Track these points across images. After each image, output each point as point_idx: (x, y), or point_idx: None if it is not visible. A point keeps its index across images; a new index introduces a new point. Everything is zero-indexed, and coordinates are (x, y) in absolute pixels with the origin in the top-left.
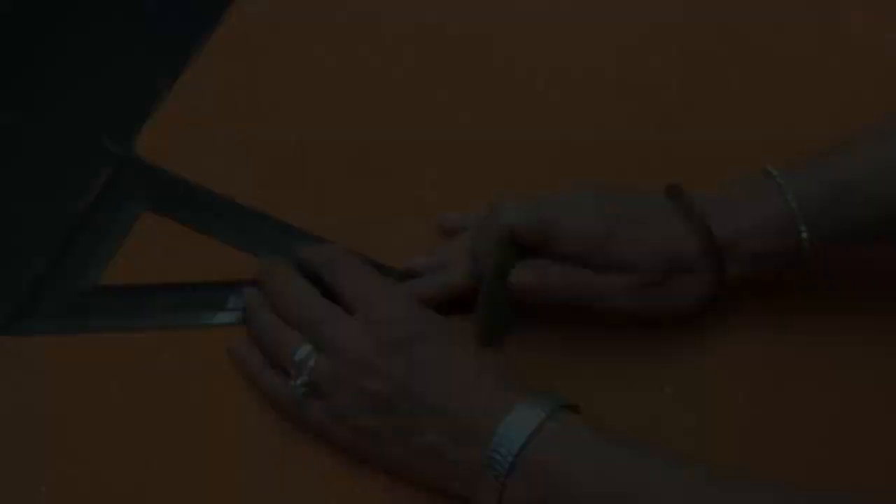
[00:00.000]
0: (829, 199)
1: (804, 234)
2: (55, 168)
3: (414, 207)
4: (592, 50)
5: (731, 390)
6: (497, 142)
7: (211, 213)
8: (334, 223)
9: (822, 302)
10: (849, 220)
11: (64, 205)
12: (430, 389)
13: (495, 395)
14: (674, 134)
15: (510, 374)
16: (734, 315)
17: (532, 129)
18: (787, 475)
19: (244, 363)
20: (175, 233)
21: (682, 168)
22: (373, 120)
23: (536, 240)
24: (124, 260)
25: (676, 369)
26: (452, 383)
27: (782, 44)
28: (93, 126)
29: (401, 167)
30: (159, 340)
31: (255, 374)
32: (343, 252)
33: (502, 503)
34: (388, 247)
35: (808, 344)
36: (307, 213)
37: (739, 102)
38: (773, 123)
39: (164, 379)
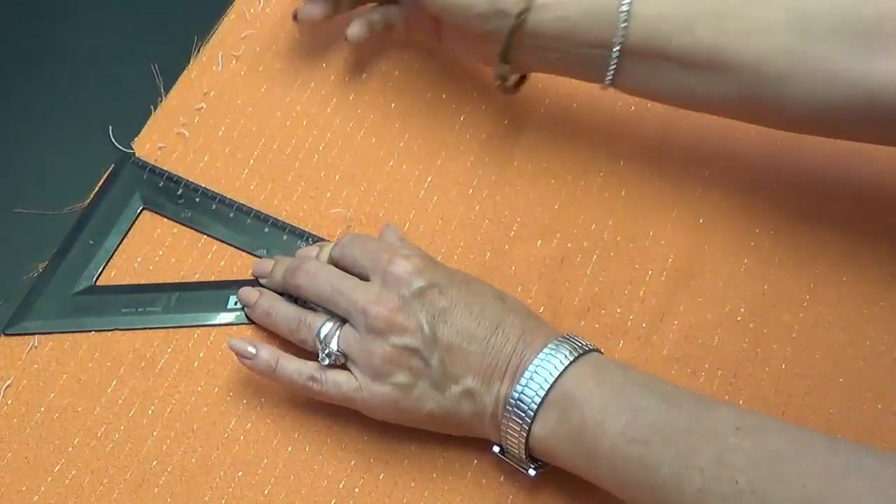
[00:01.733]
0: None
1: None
2: (55, 168)
3: (414, 208)
4: None
5: None
6: (496, 141)
7: (210, 214)
8: (334, 223)
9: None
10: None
11: (63, 205)
12: (457, 335)
13: (526, 336)
14: None
15: (535, 315)
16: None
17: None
18: None
19: (257, 360)
20: (174, 233)
21: None
22: (373, 120)
23: None
24: (123, 260)
25: None
26: (479, 327)
27: None
28: (93, 126)
29: (401, 168)
30: (159, 340)
31: (273, 366)
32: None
33: (531, 440)
34: None
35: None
36: (307, 213)
37: None
38: None
39: (165, 379)
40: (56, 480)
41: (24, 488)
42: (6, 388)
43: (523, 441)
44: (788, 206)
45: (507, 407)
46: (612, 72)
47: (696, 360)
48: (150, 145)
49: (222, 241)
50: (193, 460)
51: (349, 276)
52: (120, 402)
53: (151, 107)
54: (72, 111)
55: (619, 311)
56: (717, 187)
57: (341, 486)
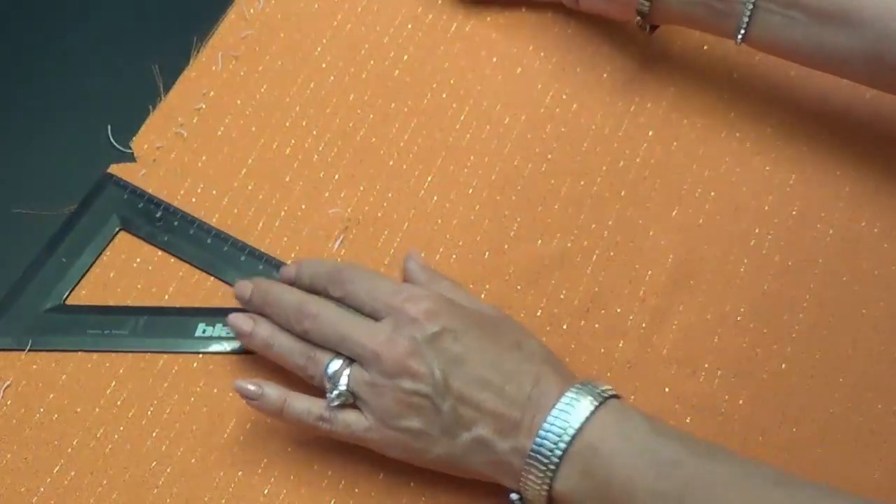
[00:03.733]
0: None
1: None
2: (54, 168)
3: (414, 208)
4: None
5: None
6: (496, 141)
7: (188, 238)
8: (332, 223)
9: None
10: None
11: (63, 204)
12: (470, 384)
13: (541, 384)
14: None
15: (554, 360)
16: None
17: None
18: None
19: (264, 400)
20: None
21: None
22: (373, 120)
23: None
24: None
25: None
26: (493, 375)
27: None
28: (92, 125)
29: (401, 168)
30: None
31: (281, 407)
32: (339, 263)
33: (553, 493)
34: None
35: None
36: (305, 213)
37: None
38: None
39: (164, 379)
40: (55, 481)
41: (23, 489)
42: (5, 388)
43: (545, 494)
44: (789, 206)
45: (528, 459)
46: (745, 23)
47: (696, 360)
48: (149, 145)
49: (197, 267)
50: (193, 460)
51: (355, 316)
52: (119, 402)
53: (150, 107)
54: (71, 111)
55: (619, 311)
56: (717, 187)
57: (341, 486)
